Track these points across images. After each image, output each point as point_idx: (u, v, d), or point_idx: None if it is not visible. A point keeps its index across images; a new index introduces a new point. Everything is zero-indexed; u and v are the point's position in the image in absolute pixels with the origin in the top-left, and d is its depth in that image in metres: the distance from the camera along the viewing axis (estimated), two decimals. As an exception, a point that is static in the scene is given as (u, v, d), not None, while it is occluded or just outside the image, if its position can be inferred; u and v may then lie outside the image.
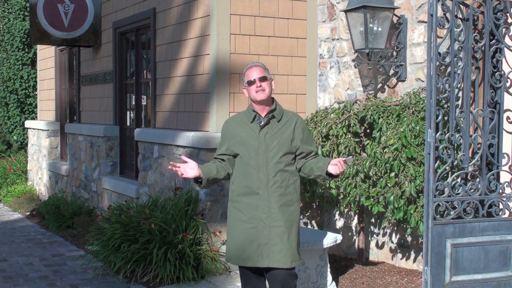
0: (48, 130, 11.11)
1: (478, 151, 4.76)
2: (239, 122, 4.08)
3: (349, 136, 5.63)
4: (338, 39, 6.52)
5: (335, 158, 4.65)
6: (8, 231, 8.71)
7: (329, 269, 5.21)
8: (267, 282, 4.12)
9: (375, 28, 5.57)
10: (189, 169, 4.00)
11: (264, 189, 3.95)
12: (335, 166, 3.91)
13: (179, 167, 3.96)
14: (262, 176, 3.95)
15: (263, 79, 3.98)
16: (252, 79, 3.98)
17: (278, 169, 3.97)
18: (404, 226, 5.78)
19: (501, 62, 4.85)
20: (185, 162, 4.01)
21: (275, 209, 3.95)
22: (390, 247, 6.07)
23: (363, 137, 5.71)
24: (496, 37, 4.73)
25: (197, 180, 4.07)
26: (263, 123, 3.99)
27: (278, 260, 3.92)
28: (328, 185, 5.75)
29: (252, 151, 3.98)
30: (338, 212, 6.47)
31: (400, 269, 5.84)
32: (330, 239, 5.20)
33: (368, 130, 5.71)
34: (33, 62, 13.71)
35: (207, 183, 4.09)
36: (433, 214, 4.48)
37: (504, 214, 4.74)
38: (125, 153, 8.68)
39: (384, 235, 6.13)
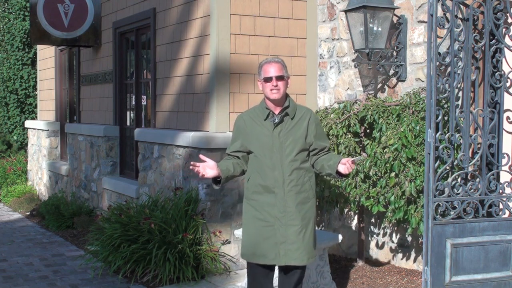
0: (48, 130, 11.11)
1: (478, 151, 4.76)
2: (253, 119, 4.06)
3: (349, 136, 5.63)
4: (338, 39, 6.52)
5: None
6: (8, 231, 8.71)
7: (329, 269, 5.21)
8: (275, 280, 4.17)
9: (375, 28, 5.57)
10: (209, 169, 3.97)
11: (280, 188, 3.95)
12: (344, 166, 3.91)
13: (199, 166, 3.93)
14: (278, 175, 3.95)
15: (280, 78, 3.95)
16: (269, 76, 3.94)
17: (294, 167, 3.97)
18: (404, 226, 5.78)
19: (501, 62, 4.85)
20: (204, 161, 3.97)
21: (292, 208, 3.96)
22: (390, 247, 6.07)
23: (363, 137, 5.71)
24: (496, 37, 4.73)
25: (215, 179, 4.04)
26: (277, 121, 3.97)
27: (295, 258, 3.95)
28: (328, 185, 5.75)
29: (266, 149, 3.97)
30: (338, 212, 6.47)
31: (400, 269, 5.84)
32: (330, 239, 5.20)
33: (368, 130, 5.71)
34: (33, 62, 13.71)
35: (225, 182, 4.08)
36: (433, 214, 4.48)
37: (504, 214, 4.74)
38: (125, 153, 8.68)
39: (384, 235, 6.12)
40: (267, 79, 3.95)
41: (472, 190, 4.65)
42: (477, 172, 4.79)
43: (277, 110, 4.00)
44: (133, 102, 8.35)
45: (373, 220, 6.20)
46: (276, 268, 4.33)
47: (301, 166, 4.00)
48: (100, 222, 6.57)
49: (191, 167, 3.96)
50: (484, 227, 4.61)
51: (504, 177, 4.90)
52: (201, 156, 4.01)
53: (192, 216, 5.91)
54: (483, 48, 4.75)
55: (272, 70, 3.95)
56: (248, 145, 4.05)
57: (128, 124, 8.64)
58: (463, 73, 4.66)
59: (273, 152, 3.96)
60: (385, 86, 6.03)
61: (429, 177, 4.46)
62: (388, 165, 5.22)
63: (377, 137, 5.46)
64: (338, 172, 3.98)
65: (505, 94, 4.83)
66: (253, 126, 4.03)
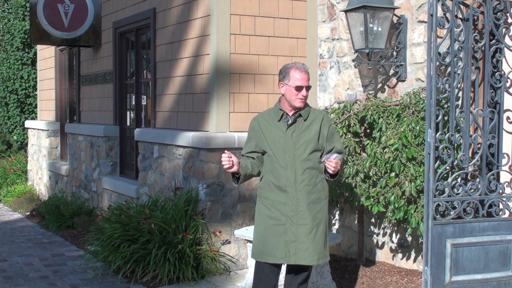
0: (48, 130, 11.11)
1: (478, 151, 4.76)
2: (267, 120, 4.14)
3: (349, 136, 5.63)
4: (338, 39, 6.51)
5: None
6: (8, 231, 8.71)
7: (329, 269, 5.21)
8: (281, 278, 4.19)
9: (375, 28, 5.57)
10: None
11: (292, 187, 4.00)
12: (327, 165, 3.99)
13: (232, 158, 3.95)
14: (290, 174, 4.00)
15: (308, 88, 4.05)
16: (301, 86, 4.00)
17: (306, 166, 4.02)
18: (404, 226, 5.78)
19: (501, 62, 4.85)
20: (230, 156, 3.99)
21: (303, 207, 4.00)
22: (390, 247, 6.07)
23: (363, 137, 5.71)
24: (496, 37, 4.73)
25: (234, 175, 4.10)
26: (290, 121, 4.05)
27: (305, 257, 3.99)
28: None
29: (279, 149, 4.04)
30: (338, 212, 6.47)
31: (400, 269, 5.84)
32: (330, 239, 5.19)
33: (368, 130, 5.71)
34: (33, 62, 13.71)
35: (243, 180, 4.13)
36: (433, 214, 4.48)
37: (504, 214, 4.74)
38: (125, 153, 8.68)
39: (384, 235, 6.12)
40: (299, 88, 4.01)
41: (472, 190, 4.65)
42: (477, 172, 4.79)
43: (291, 112, 4.08)
44: (133, 102, 8.35)
45: (373, 220, 6.20)
46: (283, 266, 4.35)
47: (314, 166, 4.05)
48: (100, 222, 6.57)
49: (225, 155, 3.94)
50: (484, 227, 4.61)
51: (504, 177, 4.90)
52: (226, 152, 4.00)
53: (192, 216, 5.91)
54: (483, 48, 4.75)
55: (304, 80, 4.02)
56: (262, 146, 4.12)
57: (128, 124, 8.64)
58: (463, 73, 4.66)
59: (286, 152, 4.02)
60: (385, 86, 6.03)
61: (429, 177, 4.46)
62: (388, 165, 5.22)
63: (377, 137, 5.47)
64: (327, 172, 4.06)
65: (505, 94, 4.83)
66: (267, 127, 4.11)
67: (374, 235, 6.21)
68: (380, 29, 5.58)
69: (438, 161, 4.53)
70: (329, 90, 6.64)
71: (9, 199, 11.40)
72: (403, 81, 5.83)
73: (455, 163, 4.68)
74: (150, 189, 7.19)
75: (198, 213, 6.00)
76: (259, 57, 6.36)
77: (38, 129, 11.70)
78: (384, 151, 5.27)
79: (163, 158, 6.92)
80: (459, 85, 4.94)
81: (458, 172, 4.68)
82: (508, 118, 4.91)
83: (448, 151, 4.59)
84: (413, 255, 5.85)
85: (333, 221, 6.60)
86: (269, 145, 4.08)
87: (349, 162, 5.57)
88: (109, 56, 8.70)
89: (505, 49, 4.80)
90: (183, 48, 6.75)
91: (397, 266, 5.95)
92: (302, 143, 4.02)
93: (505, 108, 4.89)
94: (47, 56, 11.53)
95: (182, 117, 6.78)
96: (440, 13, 4.73)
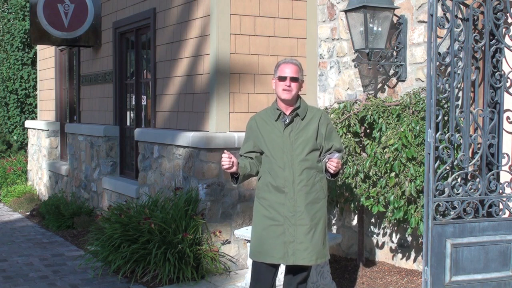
0: (48, 130, 11.12)
1: (478, 151, 4.76)
2: (264, 120, 4.11)
3: (349, 136, 5.63)
4: (338, 39, 6.52)
5: None
6: (8, 231, 8.71)
7: (329, 269, 5.21)
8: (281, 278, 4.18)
9: (375, 28, 5.57)
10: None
11: (290, 188, 3.99)
12: (329, 165, 3.96)
13: (232, 159, 3.93)
14: (288, 174, 3.99)
15: (294, 79, 4.01)
16: (284, 76, 3.99)
17: (304, 167, 4.00)
18: (404, 226, 5.78)
19: (501, 62, 4.85)
20: (230, 157, 3.97)
21: (301, 207, 3.99)
22: (390, 247, 6.07)
23: (363, 137, 5.71)
24: (496, 37, 4.73)
25: (233, 175, 4.09)
26: (287, 121, 4.02)
27: (304, 258, 3.98)
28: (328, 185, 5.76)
29: (277, 149, 4.02)
30: (338, 212, 6.47)
31: (400, 269, 5.84)
32: (330, 239, 5.19)
33: (368, 130, 5.71)
34: (33, 62, 13.71)
35: (242, 180, 4.12)
36: (433, 214, 4.48)
37: (504, 214, 4.74)
38: (125, 153, 8.68)
39: (384, 235, 6.12)
40: (282, 78, 4.00)
41: (472, 190, 4.65)
42: (477, 172, 4.79)
43: (288, 111, 4.05)
44: (133, 102, 8.35)
45: (373, 220, 6.20)
46: (281, 267, 4.34)
47: (312, 166, 4.04)
48: (100, 222, 6.57)
49: (225, 155, 3.92)
50: (484, 227, 4.61)
51: (504, 177, 4.90)
52: (226, 152, 3.99)
53: (192, 216, 5.91)
54: (483, 48, 4.75)
55: (288, 71, 4.01)
56: (260, 145, 4.11)
57: (128, 124, 8.64)
58: (463, 73, 4.66)
59: (284, 152, 4.00)
60: (385, 86, 6.03)
61: (429, 177, 4.46)
62: (388, 165, 5.22)
63: (377, 137, 5.47)
64: (328, 171, 4.04)
65: (505, 94, 4.83)
66: (264, 127, 4.08)
67: (374, 235, 6.21)
68: (380, 29, 5.58)
69: (438, 161, 4.53)
70: (329, 90, 6.65)
71: (9, 199, 11.40)
72: (403, 81, 5.83)
73: (455, 163, 4.68)
74: (150, 189, 7.19)
75: (198, 213, 6.00)
76: (259, 57, 6.36)
77: (38, 129, 11.70)
78: (384, 151, 5.27)
79: (163, 158, 6.92)
80: (459, 85, 4.94)
81: (458, 172, 4.68)
82: (508, 118, 4.91)
83: (448, 151, 4.59)
84: (413, 255, 5.85)
85: (333, 221, 6.60)
86: (267, 145, 4.05)
87: (349, 162, 5.57)
88: (109, 56, 8.70)
89: (505, 49, 4.80)
90: (183, 48, 6.75)
91: (397, 266, 5.95)
92: (300, 143, 4.00)
93: (505, 108, 4.89)
94: (47, 56, 11.53)
95: (182, 117, 6.78)
96: (440, 13, 4.73)
